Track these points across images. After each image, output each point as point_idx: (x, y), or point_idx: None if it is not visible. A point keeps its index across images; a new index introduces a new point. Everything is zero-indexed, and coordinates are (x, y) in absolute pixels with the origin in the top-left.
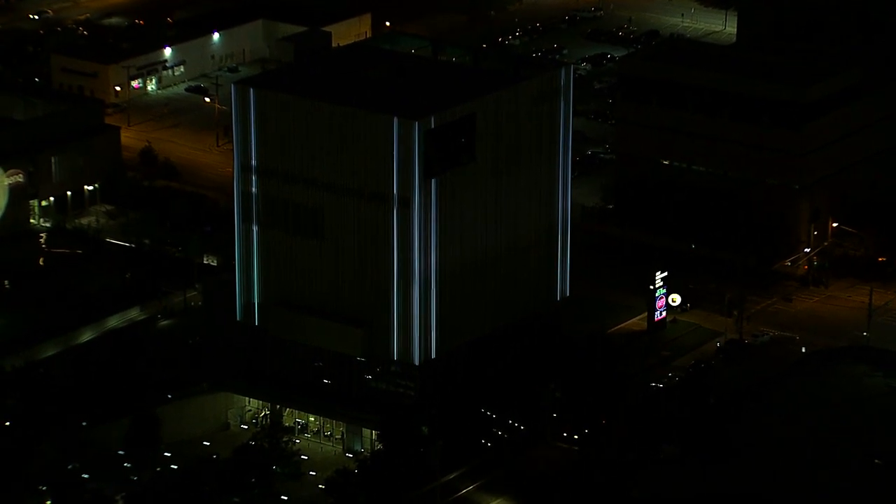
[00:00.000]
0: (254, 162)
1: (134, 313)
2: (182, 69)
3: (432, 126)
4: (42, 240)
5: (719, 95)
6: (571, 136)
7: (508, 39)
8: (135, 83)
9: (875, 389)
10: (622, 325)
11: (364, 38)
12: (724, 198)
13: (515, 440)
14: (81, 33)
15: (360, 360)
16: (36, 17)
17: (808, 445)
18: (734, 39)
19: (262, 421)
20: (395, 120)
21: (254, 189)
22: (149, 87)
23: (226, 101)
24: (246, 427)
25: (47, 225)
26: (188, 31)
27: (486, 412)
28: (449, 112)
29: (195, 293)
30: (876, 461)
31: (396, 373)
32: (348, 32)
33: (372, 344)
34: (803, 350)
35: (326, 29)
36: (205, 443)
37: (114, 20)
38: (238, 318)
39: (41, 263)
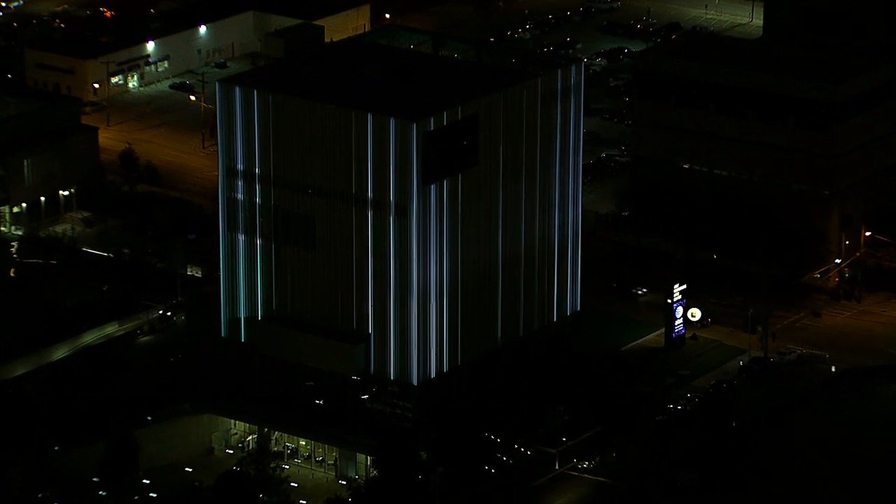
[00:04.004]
0: (240, 166)
1: (112, 329)
2: (166, 65)
3: (432, 128)
4: (13, 249)
5: (743, 94)
6: (583, 137)
7: (517, 33)
8: (115, 80)
9: None
10: (637, 341)
11: (363, 30)
12: (748, 204)
13: (522, 466)
14: (58, 26)
15: (355, 380)
16: None
17: (837, 472)
18: (761, 33)
19: (248, 445)
20: (392, 121)
21: (240, 195)
22: (130, 84)
23: (212, 99)
24: (231, 452)
25: (19, 233)
26: (173, 24)
27: (489, 436)
28: (450, 113)
29: (178, 307)
30: None
31: (393, 393)
32: (345, 25)
33: (367, 362)
34: (833, 369)
35: (322, 22)
36: (187, 469)
37: (88, 12)
38: (223, 334)
39: (12, 274)
